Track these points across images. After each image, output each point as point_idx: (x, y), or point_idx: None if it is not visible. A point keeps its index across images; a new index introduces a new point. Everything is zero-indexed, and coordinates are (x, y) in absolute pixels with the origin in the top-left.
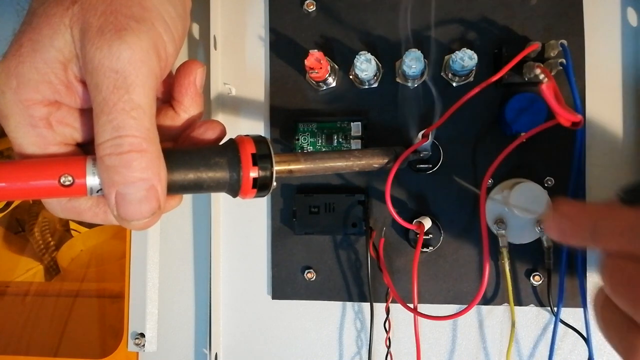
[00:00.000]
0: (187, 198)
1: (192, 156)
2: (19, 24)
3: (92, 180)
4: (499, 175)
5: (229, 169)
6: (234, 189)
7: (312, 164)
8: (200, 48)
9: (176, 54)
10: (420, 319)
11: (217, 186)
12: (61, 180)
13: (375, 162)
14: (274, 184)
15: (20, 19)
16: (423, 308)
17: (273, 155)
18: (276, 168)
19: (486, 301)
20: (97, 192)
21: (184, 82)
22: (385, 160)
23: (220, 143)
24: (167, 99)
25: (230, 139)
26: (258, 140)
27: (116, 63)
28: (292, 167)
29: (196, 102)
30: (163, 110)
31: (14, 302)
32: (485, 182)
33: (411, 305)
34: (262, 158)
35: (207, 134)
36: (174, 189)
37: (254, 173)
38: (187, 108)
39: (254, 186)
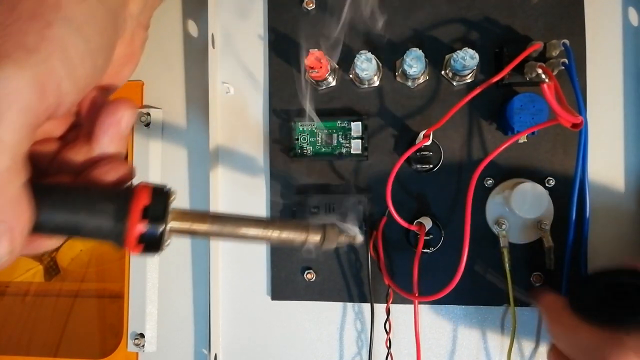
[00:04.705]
0: (186, 198)
1: (76, 197)
2: None
3: None
4: (500, 175)
5: (115, 219)
6: (119, 241)
7: (220, 227)
8: (198, 47)
9: (78, 92)
10: (420, 320)
11: (98, 234)
12: None
13: (297, 238)
14: (168, 242)
15: None
16: (423, 308)
17: (170, 212)
18: (171, 226)
19: (486, 301)
20: None
21: (106, 121)
22: (311, 239)
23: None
24: (89, 128)
25: (129, 185)
26: (159, 191)
27: None
28: (195, 227)
29: (115, 143)
30: (78, 143)
31: (14, 302)
32: (476, 176)
33: (411, 307)
34: (154, 212)
35: (109, 175)
36: (46, 229)
37: (141, 228)
38: (104, 146)
39: (140, 242)
